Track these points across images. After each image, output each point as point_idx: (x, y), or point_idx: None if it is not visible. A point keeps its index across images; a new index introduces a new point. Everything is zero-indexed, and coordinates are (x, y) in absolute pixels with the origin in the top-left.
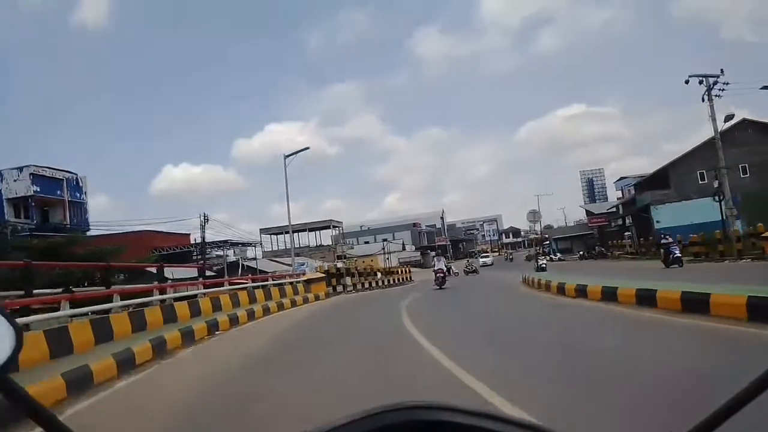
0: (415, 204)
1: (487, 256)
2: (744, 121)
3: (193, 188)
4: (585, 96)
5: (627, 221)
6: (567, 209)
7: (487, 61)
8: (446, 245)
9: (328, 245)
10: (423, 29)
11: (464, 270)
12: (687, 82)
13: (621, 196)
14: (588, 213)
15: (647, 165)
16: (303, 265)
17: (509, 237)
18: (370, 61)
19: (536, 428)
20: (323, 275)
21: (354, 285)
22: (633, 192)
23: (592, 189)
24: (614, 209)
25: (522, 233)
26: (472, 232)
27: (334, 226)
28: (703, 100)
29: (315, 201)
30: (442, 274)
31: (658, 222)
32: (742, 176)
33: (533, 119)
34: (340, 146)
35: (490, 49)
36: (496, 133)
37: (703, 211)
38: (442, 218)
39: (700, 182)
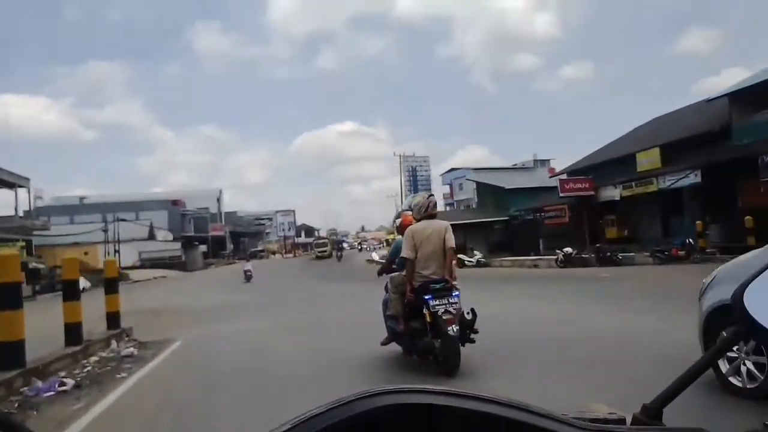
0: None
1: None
2: None
3: None
4: (357, 115)
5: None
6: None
7: (269, 68)
8: (224, 236)
9: (8, 216)
10: (204, 23)
11: None
12: None
13: (449, 191)
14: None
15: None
16: None
17: (301, 236)
18: (140, 45)
19: (506, 403)
20: None
21: None
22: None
23: (416, 180)
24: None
25: (316, 233)
26: (262, 222)
27: (19, 186)
28: None
29: (61, 190)
30: (250, 274)
31: None
32: None
33: (310, 131)
34: (98, 131)
35: (273, 56)
36: (274, 139)
37: None
38: (218, 200)
39: None
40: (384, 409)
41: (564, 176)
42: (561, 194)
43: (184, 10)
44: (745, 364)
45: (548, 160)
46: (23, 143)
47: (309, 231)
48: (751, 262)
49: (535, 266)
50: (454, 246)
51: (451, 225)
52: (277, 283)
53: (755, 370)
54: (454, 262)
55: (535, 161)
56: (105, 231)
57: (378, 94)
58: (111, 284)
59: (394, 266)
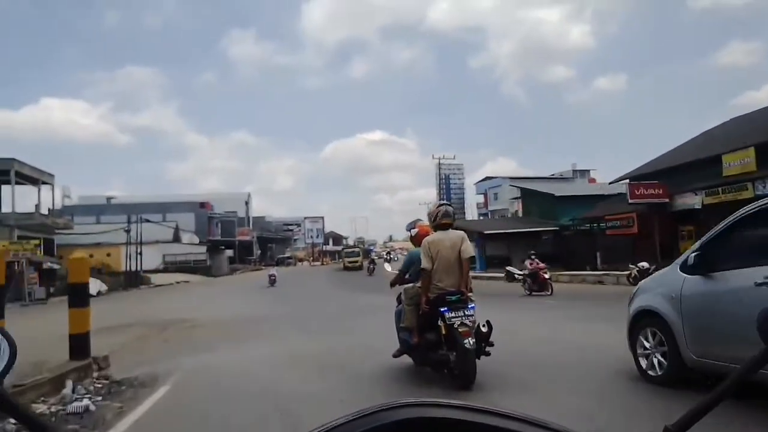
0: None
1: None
2: None
3: None
4: (387, 124)
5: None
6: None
7: (301, 76)
8: (251, 241)
9: (28, 213)
10: (238, 31)
11: None
12: None
13: (483, 200)
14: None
15: (433, 195)
16: None
17: (329, 244)
18: (177, 51)
19: (526, 420)
20: None
21: None
22: None
23: (449, 188)
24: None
25: (344, 241)
26: (290, 228)
27: (43, 182)
28: None
29: (95, 192)
30: (274, 278)
31: None
32: None
33: (339, 139)
34: (133, 135)
35: (305, 64)
36: (304, 146)
37: None
38: (246, 204)
39: None
40: (406, 422)
41: (627, 181)
42: (630, 200)
43: (221, 18)
44: (655, 357)
45: (588, 170)
46: (62, 146)
47: (337, 239)
48: (663, 276)
49: (600, 282)
50: (470, 256)
51: (490, 234)
52: (305, 295)
53: (663, 360)
54: (470, 273)
55: (574, 171)
56: (127, 231)
57: (408, 104)
58: (77, 293)
59: (407, 277)
